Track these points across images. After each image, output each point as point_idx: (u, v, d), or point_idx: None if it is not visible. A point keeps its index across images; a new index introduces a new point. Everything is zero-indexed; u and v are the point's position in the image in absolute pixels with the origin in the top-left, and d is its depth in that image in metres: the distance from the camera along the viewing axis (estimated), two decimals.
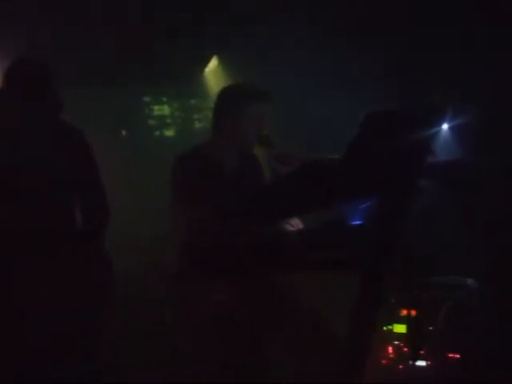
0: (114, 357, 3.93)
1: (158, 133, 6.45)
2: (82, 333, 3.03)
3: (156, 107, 6.44)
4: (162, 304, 3.35)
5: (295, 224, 3.01)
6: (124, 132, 6.25)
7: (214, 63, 6.35)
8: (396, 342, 4.21)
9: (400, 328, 4.19)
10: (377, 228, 2.19)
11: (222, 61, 6.31)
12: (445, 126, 5.97)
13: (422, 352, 3.76)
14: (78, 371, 3.00)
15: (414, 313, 3.66)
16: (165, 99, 6.48)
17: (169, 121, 6.46)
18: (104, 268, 3.12)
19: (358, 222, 2.45)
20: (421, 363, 3.98)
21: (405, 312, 4.05)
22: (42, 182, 2.96)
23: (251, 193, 3.04)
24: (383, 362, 4.19)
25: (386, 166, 2.05)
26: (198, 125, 6.45)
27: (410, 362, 4.01)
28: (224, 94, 3.35)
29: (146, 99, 6.41)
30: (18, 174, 2.94)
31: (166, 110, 6.47)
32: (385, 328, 4.24)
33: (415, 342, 3.59)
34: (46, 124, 3.03)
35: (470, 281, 4.00)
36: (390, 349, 4.20)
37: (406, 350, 4.15)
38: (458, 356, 4.04)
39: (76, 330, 3.01)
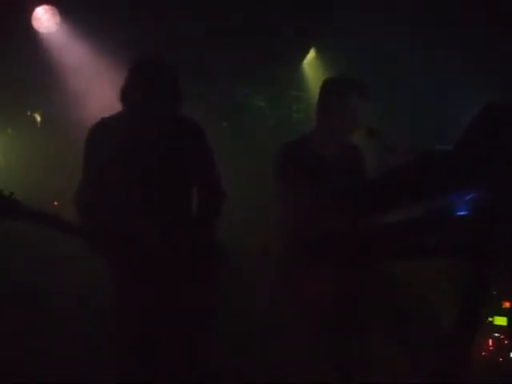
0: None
1: (257, 124, 6.55)
2: (197, 330, 3.04)
3: (255, 99, 6.54)
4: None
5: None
6: (225, 123, 6.37)
7: (311, 55, 6.42)
8: (496, 335, 4.17)
9: (501, 320, 4.14)
10: (485, 220, 2.21)
11: (319, 53, 6.37)
12: None
13: None
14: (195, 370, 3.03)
15: None
16: (264, 91, 6.57)
17: (267, 112, 6.54)
18: (219, 261, 3.15)
19: (462, 213, 2.46)
20: None
21: (507, 304, 4.01)
22: (166, 175, 3.06)
23: (358, 182, 3.11)
24: (483, 353, 4.16)
25: (498, 159, 2.07)
26: (296, 116, 6.51)
27: (511, 355, 3.99)
28: (325, 86, 3.43)
29: (246, 91, 6.51)
30: (143, 168, 3.02)
31: (264, 101, 6.55)
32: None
33: None
34: (169, 119, 3.07)
35: None
36: (491, 341, 4.17)
37: (506, 342, 4.11)
38: None
39: (193, 327, 3.03)
